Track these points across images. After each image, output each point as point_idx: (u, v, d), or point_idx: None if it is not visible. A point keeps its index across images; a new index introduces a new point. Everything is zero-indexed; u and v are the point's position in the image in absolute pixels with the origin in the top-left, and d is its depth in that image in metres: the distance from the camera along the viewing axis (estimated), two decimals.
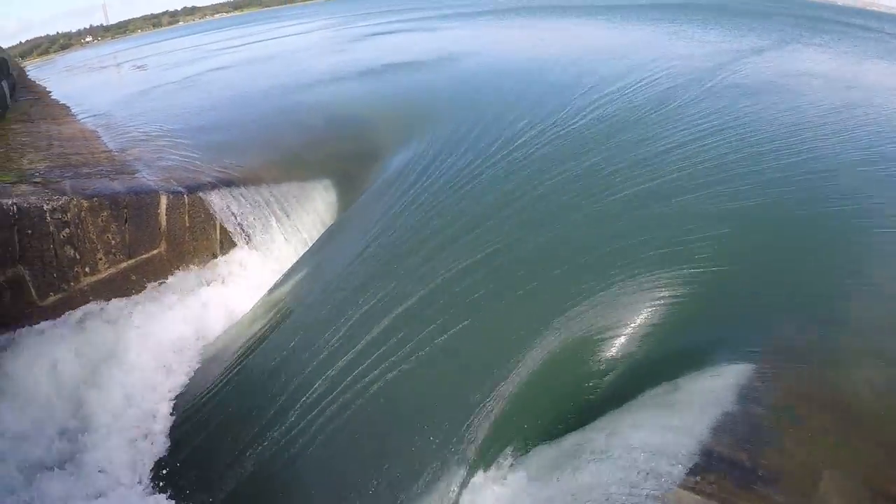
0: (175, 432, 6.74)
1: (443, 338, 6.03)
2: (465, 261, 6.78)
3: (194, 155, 10.48)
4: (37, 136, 12.01)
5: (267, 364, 6.98)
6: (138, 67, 29.32)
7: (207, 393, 7.07)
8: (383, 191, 9.16)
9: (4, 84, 15.64)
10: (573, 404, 5.22)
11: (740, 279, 5.79)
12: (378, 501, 5.19)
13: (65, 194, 7.84)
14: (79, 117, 15.02)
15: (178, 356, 7.54)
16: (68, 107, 16.81)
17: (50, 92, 20.43)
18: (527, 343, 5.63)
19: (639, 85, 10.98)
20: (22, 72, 29.18)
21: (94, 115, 15.01)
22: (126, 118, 14.36)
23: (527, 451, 5.02)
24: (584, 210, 7.06)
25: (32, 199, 7.60)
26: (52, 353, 7.09)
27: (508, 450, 5.07)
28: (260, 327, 7.69)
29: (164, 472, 6.32)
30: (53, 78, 28.29)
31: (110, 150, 10.96)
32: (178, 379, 7.34)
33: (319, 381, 6.28)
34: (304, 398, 6.21)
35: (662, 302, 5.59)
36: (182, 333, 7.74)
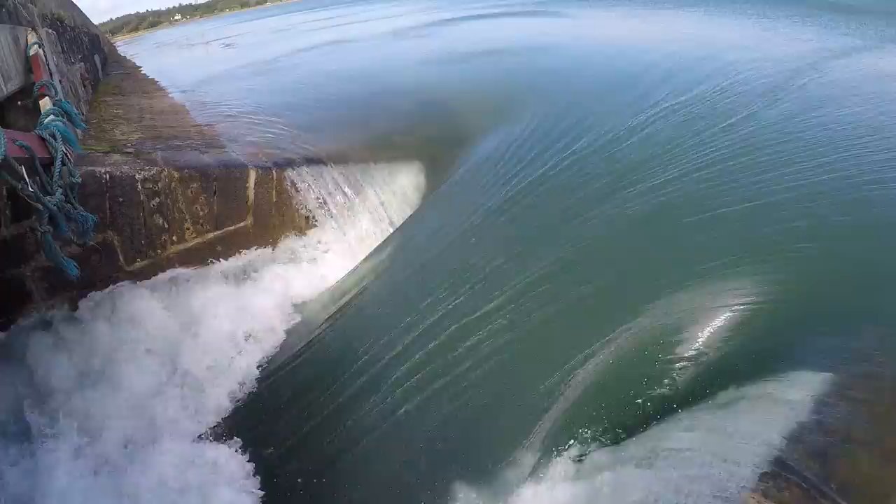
0: (250, 394, 7.02)
1: (520, 326, 5.97)
2: (547, 253, 6.68)
3: (282, 132, 10.59)
4: (128, 109, 12.32)
5: (343, 340, 7.09)
6: (227, 46, 29.83)
7: (284, 363, 7.26)
8: (470, 177, 9.13)
9: (97, 58, 16.07)
10: (640, 403, 5.09)
11: (821, 285, 5.53)
12: (433, 485, 5.21)
13: (156, 165, 8.01)
14: (169, 92, 15.37)
15: (259, 326, 7.70)
16: (158, 82, 17.18)
17: (140, 67, 20.91)
18: (599, 338, 5.53)
19: (732, 81, 10.65)
20: (112, 47, 30.00)
21: (184, 91, 15.30)
22: (215, 94, 14.60)
23: (590, 449, 4.93)
24: (673, 209, 6.89)
25: (125, 168, 7.79)
26: (143, 308, 7.44)
27: (573, 446, 4.99)
28: (339, 305, 7.78)
29: (231, 425, 6.60)
30: (143, 54, 29.00)
31: (200, 125, 11.17)
32: (257, 348, 7.52)
33: (392, 361, 6.32)
34: (375, 377, 6.28)
35: (738, 303, 5.40)
36: (263, 305, 7.89)
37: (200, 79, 17.15)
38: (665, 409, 4.90)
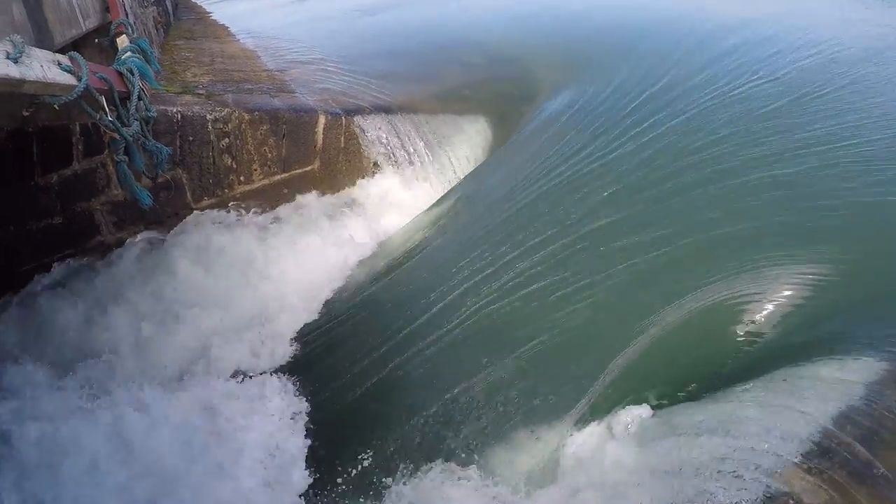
0: (306, 339, 7.23)
1: (578, 284, 6.06)
2: (613, 214, 6.70)
3: (352, 80, 10.76)
4: (199, 53, 12.63)
5: (399, 289, 7.30)
6: None
7: (342, 307, 7.50)
8: (538, 133, 9.14)
9: (168, 2, 16.40)
10: (695, 373, 5.16)
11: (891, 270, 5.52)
12: (482, 429, 5.42)
13: (227, 106, 8.33)
14: (240, 38, 15.61)
15: (319, 268, 7.94)
16: (229, 28, 17.44)
17: (211, 13, 21.23)
18: (661, 306, 5.59)
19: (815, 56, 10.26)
20: None
21: (254, 37, 15.51)
22: (285, 42, 14.77)
23: (643, 414, 5.01)
24: (748, 176, 6.82)
25: (196, 108, 8.14)
26: (208, 246, 7.82)
27: (624, 409, 5.08)
28: (399, 253, 8.01)
29: (286, 365, 6.91)
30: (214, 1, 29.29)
31: (270, 70, 11.41)
32: (315, 291, 7.76)
33: (447, 310, 6.51)
34: (427, 326, 6.46)
35: (804, 282, 5.40)
36: (326, 249, 8.13)
37: (271, 26, 17.31)
38: (724, 380, 4.97)
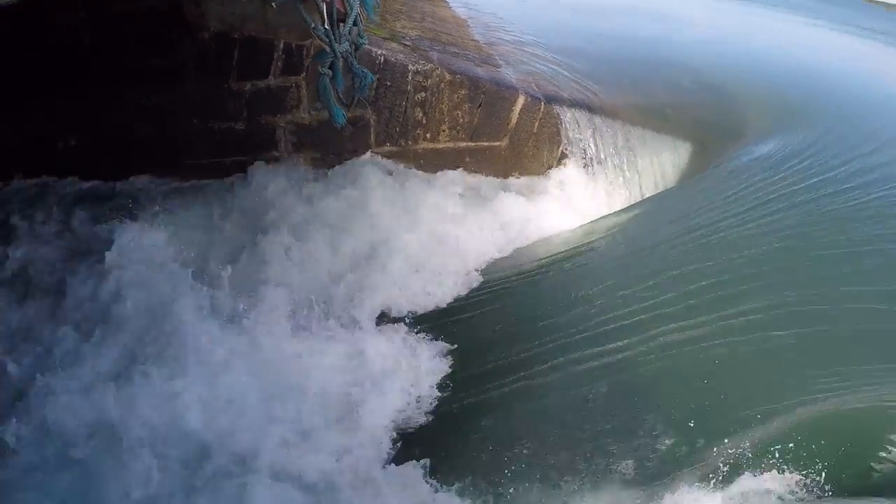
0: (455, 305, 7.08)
1: (731, 340, 5.47)
2: (801, 280, 6.13)
3: (557, 70, 10.45)
4: (411, 9, 12.58)
5: (554, 289, 6.95)
6: None
7: (494, 286, 7.26)
8: (739, 172, 8.60)
9: None
10: (838, 471, 4.60)
11: None
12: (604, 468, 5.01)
13: (430, 62, 8.21)
14: (451, 4, 15.56)
15: (482, 245, 7.79)
16: None
17: None
18: (813, 386, 4.96)
19: None
20: None
21: (468, 7, 15.43)
22: (498, 19, 14.64)
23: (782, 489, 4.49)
24: None
25: (400, 56, 8.06)
26: (377, 191, 7.84)
27: (767, 476, 4.56)
28: (567, 252, 7.65)
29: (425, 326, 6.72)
30: None
31: (478, 41, 11.24)
32: (473, 264, 7.60)
33: (597, 328, 6.04)
34: (575, 337, 6.03)
35: None
36: (492, 227, 7.96)
37: (486, 2, 17.30)
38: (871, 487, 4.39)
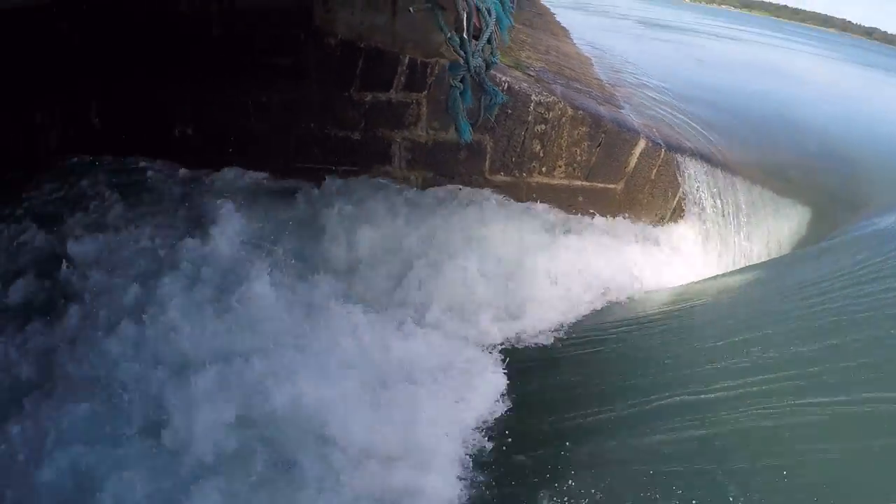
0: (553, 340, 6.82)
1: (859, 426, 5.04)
2: None
3: (679, 118, 10.24)
4: (536, 41, 12.53)
5: (650, 349, 6.48)
6: (640, 23, 30.18)
7: (585, 327, 7.03)
8: (856, 246, 8.15)
9: None
10: None
11: None
12: None
13: (553, 95, 8.02)
14: (576, 42, 15.52)
15: (587, 286, 7.52)
16: (567, 30, 17.47)
17: (554, 14, 21.46)
18: None
19: None
20: None
21: (591, 46, 15.46)
22: (621, 61, 14.63)
23: None
24: None
25: (524, 85, 7.94)
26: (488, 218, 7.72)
27: None
28: (675, 306, 7.34)
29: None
30: (558, 3, 29.87)
31: (601, 80, 11.12)
32: (576, 304, 7.36)
33: (685, 398, 5.58)
34: (655, 403, 5.50)
35: None
36: (597, 271, 7.64)
37: (610, 43, 17.30)
38: None
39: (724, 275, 8.12)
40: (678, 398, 5.52)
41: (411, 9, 3.86)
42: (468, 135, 5.06)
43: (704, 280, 7.99)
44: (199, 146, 8.53)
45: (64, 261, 6.64)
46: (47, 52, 8.01)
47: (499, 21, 5.37)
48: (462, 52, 4.46)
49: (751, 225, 8.70)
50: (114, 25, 8.15)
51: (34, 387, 5.28)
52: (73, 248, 6.85)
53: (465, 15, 4.26)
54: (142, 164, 8.74)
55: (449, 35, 4.38)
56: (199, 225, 7.25)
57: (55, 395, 5.15)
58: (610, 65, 13.52)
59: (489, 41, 5.10)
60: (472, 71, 4.64)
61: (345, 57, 7.88)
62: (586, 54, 13.85)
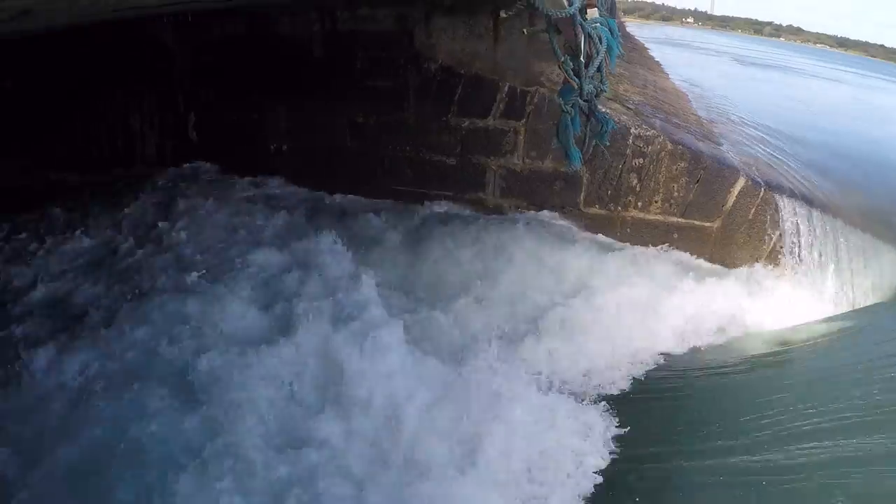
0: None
1: None
2: None
3: (778, 157, 10.02)
4: (633, 74, 12.40)
5: (737, 396, 6.36)
6: (735, 60, 29.98)
7: (665, 379, 6.80)
8: None
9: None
10: None
11: None
12: None
13: (653, 128, 7.95)
14: (671, 77, 15.39)
15: (676, 328, 7.39)
16: (662, 65, 17.34)
17: (649, 48, 21.39)
18: None
19: None
20: (622, 23, 31.21)
21: (686, 82, 15.34)
22: (717, 97, 14.53)
23: None
24: None
25: (623, 117, 7.90)
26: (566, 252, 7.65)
27: None
28: (767, 353, 7.20)
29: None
30: (649, 37, 29.87)
31: (699, 116, 10.94)
32: (661, 345, 7.24)
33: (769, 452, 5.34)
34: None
35: None
36: (685, 312, 7.48)
37: (704, 79, 17.25)
38: None
39: (818, 321, 7.86)
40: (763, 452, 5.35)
41: (525, 31, 3.82)
42: (578, 161, 4.99)
43: (797, 326, 7.75)
44: (294, 163, 8.65)
45: None
46: (148, 63, 8.25)
47: (609, 49, 5.29)
48: (576, 78, 4.39)
49: (849, 270, 8.38)
50: (215, 41, 8.36)
51: None
52: None
53: (582, 39, 4.20)
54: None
55: (563, 59, 4.32)
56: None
57: None
58: (708, 100, 13.40)
59: (599, 69, 5.03)
60: (585, 96, 4.57)
61: (444, 82, 7.92)
62: (683, 90, 13.71)
